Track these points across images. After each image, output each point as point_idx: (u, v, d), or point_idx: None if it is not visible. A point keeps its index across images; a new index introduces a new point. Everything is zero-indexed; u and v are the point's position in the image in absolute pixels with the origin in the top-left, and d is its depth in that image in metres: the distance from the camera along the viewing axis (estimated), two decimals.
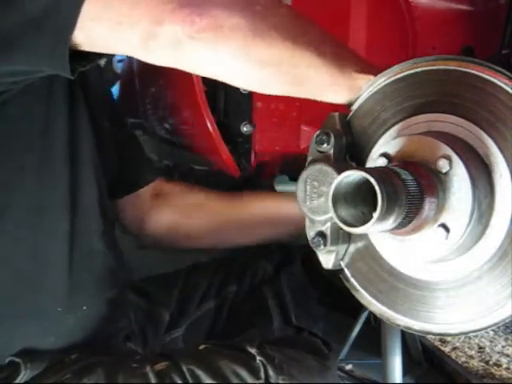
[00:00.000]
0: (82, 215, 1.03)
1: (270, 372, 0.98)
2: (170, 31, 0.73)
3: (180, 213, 1.34)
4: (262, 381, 0.97)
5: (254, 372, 0.98)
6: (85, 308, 1.03)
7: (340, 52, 0.79)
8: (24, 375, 0.94)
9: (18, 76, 0.87)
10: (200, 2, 0.74)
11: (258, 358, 0.99)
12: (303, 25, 0.79)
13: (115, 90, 2.01)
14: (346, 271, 0.79)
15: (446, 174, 0.65)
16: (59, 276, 1.01)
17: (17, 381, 0.94)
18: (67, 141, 1.01)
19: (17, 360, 0.95)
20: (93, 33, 0.78)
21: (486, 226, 0.66)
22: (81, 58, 0.82)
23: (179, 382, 0.95)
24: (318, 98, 0.80)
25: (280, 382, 0.98)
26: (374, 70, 0.78)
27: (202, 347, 1.05)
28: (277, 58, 0.75)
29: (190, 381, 0.95)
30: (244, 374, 0.97)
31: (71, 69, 0.81)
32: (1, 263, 0.97)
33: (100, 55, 0.84)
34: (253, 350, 1.00)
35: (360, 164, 0.76)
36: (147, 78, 1.67)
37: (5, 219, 0.97)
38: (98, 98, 1.19)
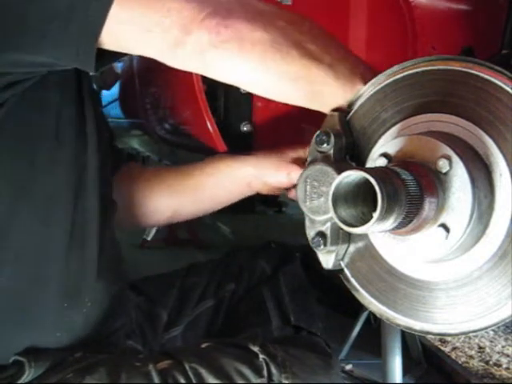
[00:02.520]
0: (87, 214, 1.03)
1: (273, 370, 0.98)
2: (196, 40, 0.77)
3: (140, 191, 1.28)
4: (264, 379, 0.98)
5: (257, 370, 0.98)
6: (89, 304, 1.04)
7: (358, 71, 0.82)
8: (28, 374, 0.95)
9: (42, 67, 0.88)
10: (227, 15, 0.77)
11: (261, 356, 0.99)
12: (324, 42, 0.82)
13: (115, 89, 2.02)
14: (346, 271, 0.79)
15: (446, 174, 0.65)
16: (66, 271, 1.01)
17: (21, 380, 0.94)
18: (75, 139, 1.01)
19: (21, 359, 0.96)
20: (121, 36, 0.81)
21: (486, 226, 0.66)
22: (101, 55, 0.83)
23: (182, 380, 0.95)
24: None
25: (283, 380, 0.98)
26: None
27: (204, 345, 1.05)
28: (293, 74, 0.79)
29: (193, 379, 0.95)
30: (247, 372, 0.97)
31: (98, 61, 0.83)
32: (10, 260, 0.97)
33: (120, 55, 0.86)
34: (255, 349, 1.01)
35: (360, 164, 0.76)
36: (147, 78, 1.68)
37: (13, 216, 0.97)
38: (96, 95, 1.19)
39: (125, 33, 0.81)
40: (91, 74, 0.89)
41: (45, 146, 0.98)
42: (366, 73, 0.82)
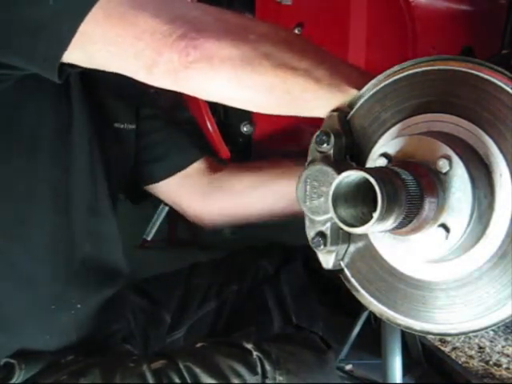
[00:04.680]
0: (74, 213, 1.04)
1: (267, 367, 0.99)
2: (168, 61, 0.79)
3: (235, 200, 1.27)
4: (259, 376, 0.98)
5: (251, 367, 0.98)
6: (79, 306, 1.04)
7: (339, 72, 0.81)
8: (19, 377, 0.95)
9: (8, 69, 0.90)
10: (196, 36, 0.79)
11: (255, 353, 1.00)
12: (298, 51, 0.81)
13: None
14: (346, 271, 0.79)
15: (446, 174, 0.65)
16: (52, 273, 1.02)
17: (11, 382, 0.94)
18: (54, 142, 1.02)
19: (11, 361, 0.96)
20: (95, 55, 0.84)
21: (486, 226, 0.66)
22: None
23: (177, 380, 0.95)
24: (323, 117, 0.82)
25: (277, 376, 0.98)
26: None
27: (198, 345, 1.05)
28: (268, 84, 0.79)
29: (188, 379, 0.96)
30: (241, 369, 0.98)
31: (62, 70, 0.86)
32: None
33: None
34: (249, 346, 1.01)
35: (360, 164, 0.76)
36: None
37: None
38: (114, 95, 1.18)
39: (100, 53, 0.83)
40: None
41: (21, 146, 0.99)
42: (350, 72, 0.82)
